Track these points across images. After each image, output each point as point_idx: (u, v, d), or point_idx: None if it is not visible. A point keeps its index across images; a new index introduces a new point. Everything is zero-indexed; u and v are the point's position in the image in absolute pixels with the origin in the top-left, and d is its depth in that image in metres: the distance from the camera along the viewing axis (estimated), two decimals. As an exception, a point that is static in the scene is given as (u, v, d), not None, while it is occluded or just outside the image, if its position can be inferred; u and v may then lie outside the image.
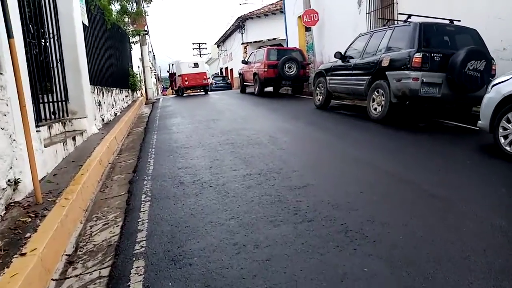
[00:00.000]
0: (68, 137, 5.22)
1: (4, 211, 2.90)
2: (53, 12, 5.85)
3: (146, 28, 14.67)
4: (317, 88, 8.84)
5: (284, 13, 17.70)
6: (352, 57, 7.62)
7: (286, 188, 3.51)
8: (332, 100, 8.87)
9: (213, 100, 13.57)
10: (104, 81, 8.72)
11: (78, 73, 6.26)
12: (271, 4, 27.21)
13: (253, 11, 26.49)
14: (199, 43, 50.50)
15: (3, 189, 2.96)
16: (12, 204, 3.06)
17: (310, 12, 13.35)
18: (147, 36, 15.34)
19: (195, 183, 3.85)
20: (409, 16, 6.92)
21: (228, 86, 28.26)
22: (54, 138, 5.28)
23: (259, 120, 7.79)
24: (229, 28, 30.19)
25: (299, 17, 16.07)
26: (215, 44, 37.42)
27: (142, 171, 4.47)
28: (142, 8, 14.47)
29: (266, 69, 12.75)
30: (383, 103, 6.32)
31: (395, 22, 8.07)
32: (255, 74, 13.66)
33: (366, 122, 6.68)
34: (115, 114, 9.26)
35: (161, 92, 48.21)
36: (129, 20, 14.16)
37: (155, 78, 46.32)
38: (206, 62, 51.94)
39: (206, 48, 50.47)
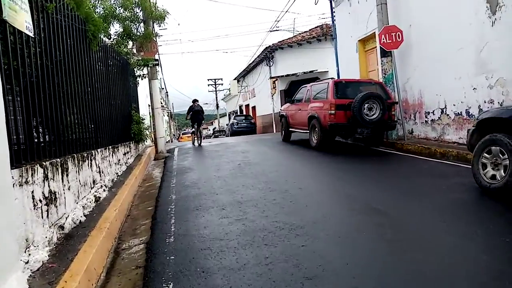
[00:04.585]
0: None
1: None
2: None
3: (156, 57, 10.76)
4: (486, 155, 4.50)
5: (335, 37, 13.79)
6: None
7: None
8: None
9: (251, 155, 9.27)
10: (71, 143, 4.60)
11: None
12: (304, 32, 23.47)
13: (283, 40, 22.68)
14: (215, 79, 47.29)
15: None
16: None
17: (391, 30, 9.30)
18: (158, 68, 11.42)
19: None
20: None
21: (253, 128, 24.14)
22: None
23: (403, 240, 3.49)
24: (253, 61, 26.42)
25: (361, 40, 12.14)
26: (234, 79, 33.80)
27: None
28: (152, 30, 10.63)
29: (333, 111, 8.54)
30: None
31: None
32: (311, 117, 9.45)
33: None
34: (97, 200, 5.07)
35: (177, 139, 43.58)
36: (134, 46, 10.32)
37: (167, 115, 42.39)
38: (222, 99, 48.61)
39: (222, 84, 47.31)
